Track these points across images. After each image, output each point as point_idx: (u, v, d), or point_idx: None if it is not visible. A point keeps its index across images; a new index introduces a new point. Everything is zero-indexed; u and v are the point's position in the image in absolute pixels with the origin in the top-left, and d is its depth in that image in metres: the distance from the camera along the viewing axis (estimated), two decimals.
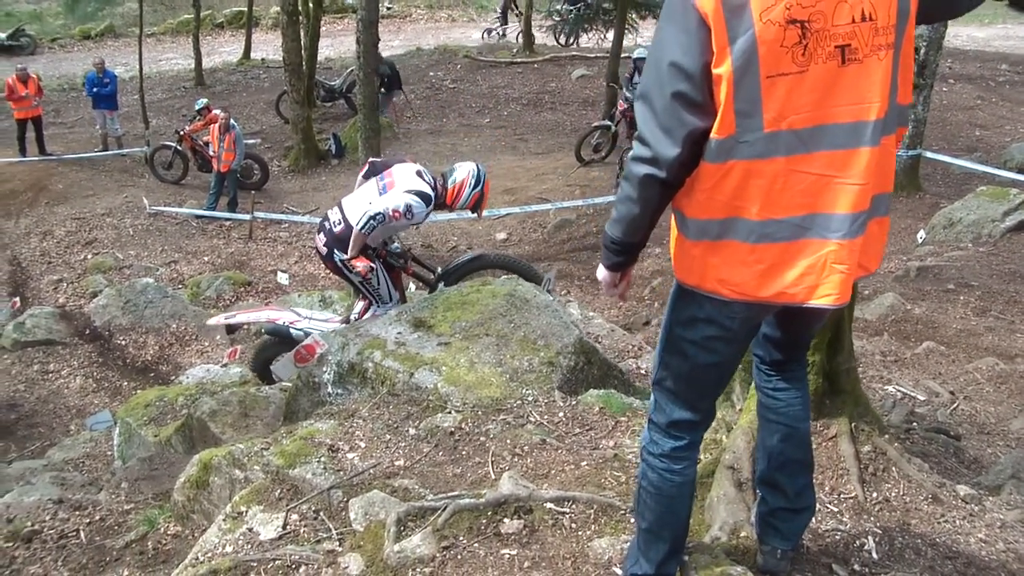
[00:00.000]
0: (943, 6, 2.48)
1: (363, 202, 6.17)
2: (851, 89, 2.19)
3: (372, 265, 6.21)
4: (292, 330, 6.95)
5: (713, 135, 2.22)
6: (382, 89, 17.17)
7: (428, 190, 6.11)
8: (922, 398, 5.75)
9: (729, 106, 2.18)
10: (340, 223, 6.24)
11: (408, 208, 5.96)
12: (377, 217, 5.93)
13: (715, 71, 2.16)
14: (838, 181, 2.23)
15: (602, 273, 2.61)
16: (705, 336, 2.50)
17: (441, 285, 6.75)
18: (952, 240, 10.70)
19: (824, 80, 2.17)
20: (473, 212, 6.65)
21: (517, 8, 27.50)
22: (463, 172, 6.41)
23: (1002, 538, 3.23)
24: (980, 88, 19.94)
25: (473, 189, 6.37)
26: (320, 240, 6.41)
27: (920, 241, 11.24)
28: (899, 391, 5.82)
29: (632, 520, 3.23)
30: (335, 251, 6.26)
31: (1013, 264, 9.76)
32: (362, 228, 5.96)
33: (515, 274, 6.60)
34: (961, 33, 26.18)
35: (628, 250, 2.50)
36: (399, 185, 6.11)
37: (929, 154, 13.42)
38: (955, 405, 5.72)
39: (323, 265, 7.02)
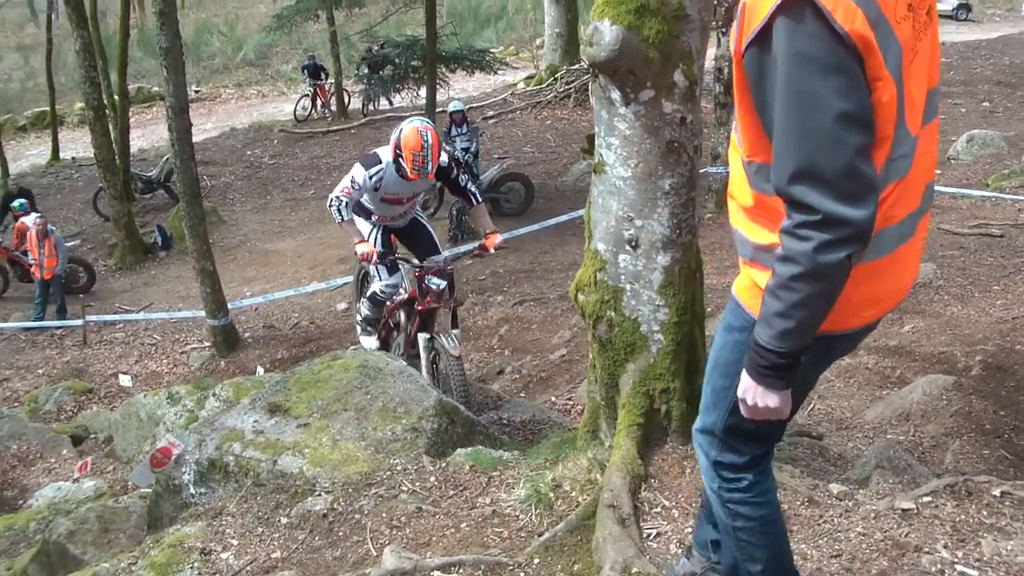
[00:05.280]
0: None
1: None
2: (927, 57, 2.02)
3: (371, 251, 6.27)
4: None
5: None
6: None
7: (381, 154, 6.17)
8: None
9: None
10: None
11: (351, 180, 6.11)
12: (334, 202, 6.12)
13: (883, 99, 1.84)
14: (931, 156, 2.02)
15: (773, 400, 2.07)
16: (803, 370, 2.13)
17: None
18: None
19: (924, 52, 1.98)
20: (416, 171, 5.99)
21: (326, 75, 26.91)
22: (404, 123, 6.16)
23: (878, 528, 3.32)
24: None
25: (397, 136, 6.00)
26: None
27: None
28: None
29: None
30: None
31: None
32: (335, 219, 6.18)
33: None
34: None
35: (800, 357, 2.03)
36: None
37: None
38: (811, 405, 5.90)
39: None
